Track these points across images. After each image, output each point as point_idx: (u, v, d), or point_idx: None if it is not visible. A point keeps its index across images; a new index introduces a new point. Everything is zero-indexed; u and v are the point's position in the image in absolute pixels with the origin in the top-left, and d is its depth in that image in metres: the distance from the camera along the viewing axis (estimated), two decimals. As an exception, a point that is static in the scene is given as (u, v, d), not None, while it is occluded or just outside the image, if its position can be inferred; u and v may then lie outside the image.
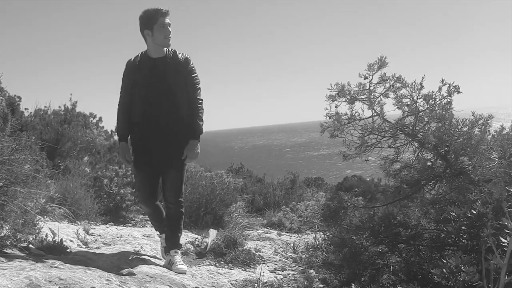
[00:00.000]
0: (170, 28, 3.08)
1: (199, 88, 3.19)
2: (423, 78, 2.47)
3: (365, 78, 2.57)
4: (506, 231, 1.24)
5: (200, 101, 3.18)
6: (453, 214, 1.83)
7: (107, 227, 4.84)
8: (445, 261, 1.74)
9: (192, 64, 3.20)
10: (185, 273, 3.14)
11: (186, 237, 4.83)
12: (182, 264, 3.23)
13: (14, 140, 2.88)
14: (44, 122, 7.46)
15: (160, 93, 3.10)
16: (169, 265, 3.21)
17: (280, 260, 4.22)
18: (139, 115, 3.15)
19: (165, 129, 3.12)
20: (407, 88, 2.46)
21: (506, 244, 1.24)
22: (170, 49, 3.16)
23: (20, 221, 2.77)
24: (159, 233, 3.53)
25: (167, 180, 3.20)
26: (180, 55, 3.18)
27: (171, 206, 3.23)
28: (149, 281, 2.69)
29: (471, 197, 1.93)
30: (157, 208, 3.35)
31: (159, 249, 3.71)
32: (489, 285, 1.47)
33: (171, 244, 3.28)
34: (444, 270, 1.73)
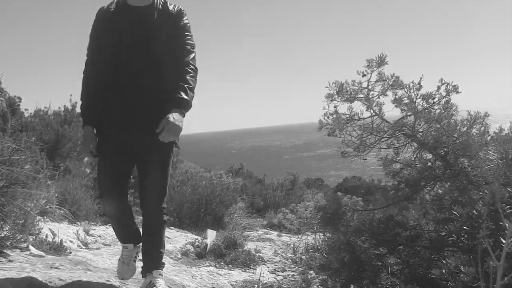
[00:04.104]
0: None
1: (194, 52, 2.36)
2: (421, 78, 2.44)
3: (363, 75, 2.49)
4: (506, 231, 1.25)
5: (193, 67, 2.32)
6: (455, 213, 1.83)
7: (107, 227, 4.84)
8: (444, 261, 1.74)
9: (187, 19, 2.39)
10: None
11: (186, 238, 4.84)
12: None
13: (15, 141, 2.88)
14: (44, 122, 7.46)
15: (139, 57, 2.30)
16: None
17: (280, 261, 4.23)
18: (108, 87, 2.33)
19: (142, 105, 2.30)
20: (405, 89, 2.43)
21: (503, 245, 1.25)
22: None
23: (20, 221, 2.78)
24: (122, 243, 2.62)
25: (147, 181, 2.37)
26: (171, 7, 2.37)
27: (151, 214, 2.44)
28: (149, 282, 2.69)
29: (474, 196, 1.93)
30: (124, 207, 2.47)
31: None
32: (493, 286, 1.47)
33: (152, 263, 2.48)
34: (444, 271, 1.73)
